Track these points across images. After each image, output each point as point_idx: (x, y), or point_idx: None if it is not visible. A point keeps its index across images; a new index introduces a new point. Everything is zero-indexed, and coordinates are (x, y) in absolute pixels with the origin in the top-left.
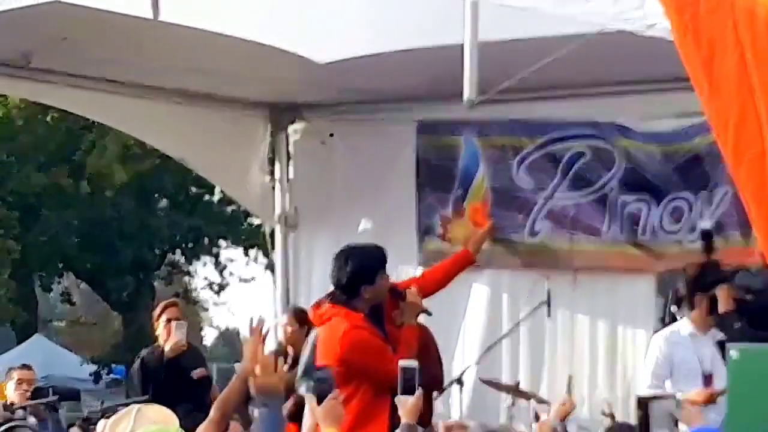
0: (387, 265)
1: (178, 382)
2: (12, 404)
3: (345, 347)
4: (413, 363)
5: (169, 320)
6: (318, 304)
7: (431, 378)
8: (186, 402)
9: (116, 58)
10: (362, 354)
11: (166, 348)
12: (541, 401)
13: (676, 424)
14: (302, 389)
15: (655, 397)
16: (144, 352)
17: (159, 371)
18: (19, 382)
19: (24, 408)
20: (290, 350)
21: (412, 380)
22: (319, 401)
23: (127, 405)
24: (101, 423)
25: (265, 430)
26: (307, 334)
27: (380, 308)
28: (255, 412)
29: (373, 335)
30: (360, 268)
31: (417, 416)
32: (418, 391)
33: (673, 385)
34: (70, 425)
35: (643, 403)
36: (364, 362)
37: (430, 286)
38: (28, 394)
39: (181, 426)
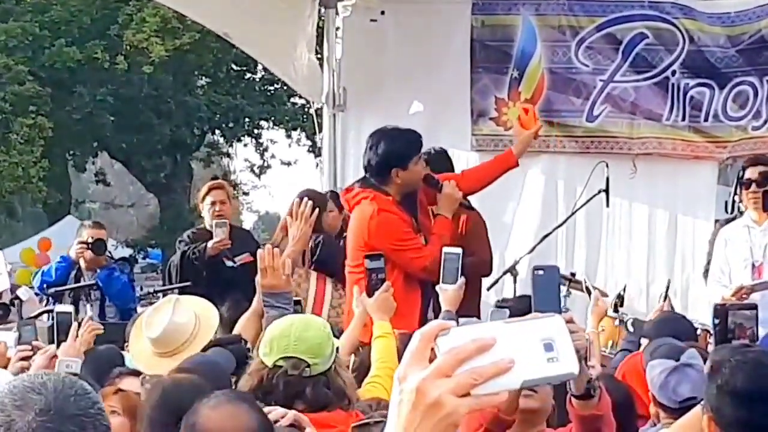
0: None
1: (221, 273)
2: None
3: (372, 231)
4: (457, 250)
5: (213, 203)
6: (349, 189)
7: (480, 263)
8: (233, 290)
9: None
10: (388, 238)
11: (209, 245)
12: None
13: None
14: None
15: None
16: (185, 238)
17: (200, 269)
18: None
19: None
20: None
21: (454, 268)
22: (371, 290)
23: (167, 292)
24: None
25: None
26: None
27: (414, 197)
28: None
29: (402, 221)
30: (392, 149)
31: (457, 305)
32: (460, 280)
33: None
34: None
35: (722, 312)
36: (391, 248)
37: (469, 185)
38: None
39: (227, 315)
